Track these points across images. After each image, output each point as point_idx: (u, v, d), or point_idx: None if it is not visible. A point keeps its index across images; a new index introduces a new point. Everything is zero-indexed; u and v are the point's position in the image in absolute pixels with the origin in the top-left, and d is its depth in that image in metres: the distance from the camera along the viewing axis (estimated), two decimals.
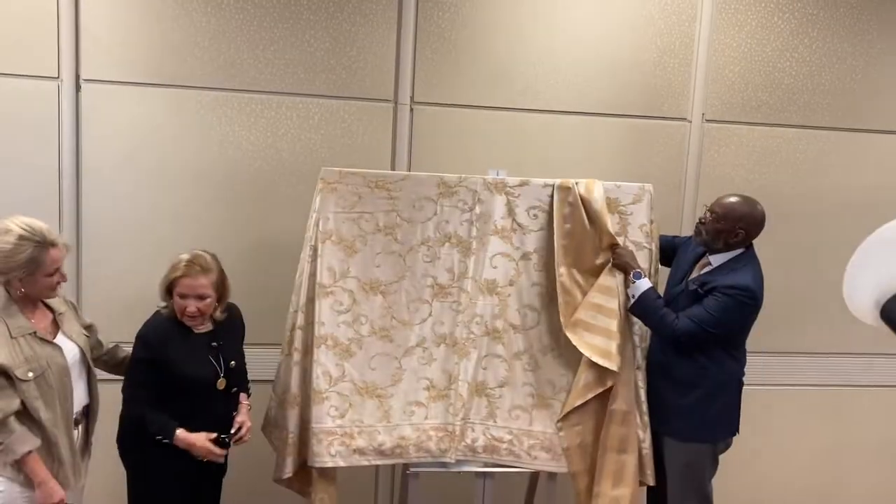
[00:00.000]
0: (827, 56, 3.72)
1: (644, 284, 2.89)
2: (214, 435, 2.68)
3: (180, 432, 2.65)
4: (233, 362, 2.80)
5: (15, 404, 2.35)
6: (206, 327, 2.79)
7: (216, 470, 2.85)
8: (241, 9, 3.32)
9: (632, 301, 2.91)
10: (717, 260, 2.93)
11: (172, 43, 3.30)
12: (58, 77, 3.23)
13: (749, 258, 2.93)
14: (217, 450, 2.68)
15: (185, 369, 2.69)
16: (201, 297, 2.68)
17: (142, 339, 2.71)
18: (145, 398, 2.68)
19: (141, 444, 2.71)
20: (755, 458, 3.93)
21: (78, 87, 3.26)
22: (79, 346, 2.59)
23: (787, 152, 3.75)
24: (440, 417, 2.93)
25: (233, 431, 2.76)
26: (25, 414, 2.38)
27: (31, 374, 2.37)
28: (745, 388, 3.06)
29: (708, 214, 2.93)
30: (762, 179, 3.73)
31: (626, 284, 2.92)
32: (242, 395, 2.91)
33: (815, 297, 3.82)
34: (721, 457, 3.06)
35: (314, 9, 3.37)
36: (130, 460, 2.79)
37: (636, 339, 3.00)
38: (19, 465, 2.39)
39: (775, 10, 3.66)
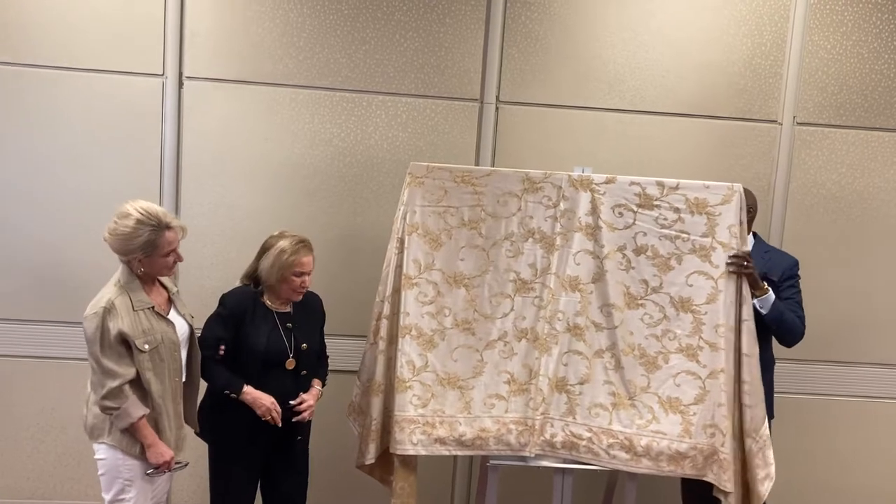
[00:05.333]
0: None
1: (772, 294, 3.00)
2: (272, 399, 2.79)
3: (248, 388, 2.76)
4: (304, 345, 2.88)
5: (132, 372, 2.51)
6: (285, 308, 2.90)
7: (290, 434, 2.90)
8: (335, 10, 3.44)
9: (764, 311, 2.99)
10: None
11: (270, 43, 3.44)
12: (163, 74, 3.42)
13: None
14: (275, 412, 2.77)
15: (257, 340, 2.80)
16: (309, 273, 2.85)
17: (225, 298, 2.88)
18: (214, 350, 2.80)
19: (217, 412, 2.86)
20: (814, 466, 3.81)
21: (181, 84, 3.43)
22: (188, 324, 2.73)
23: (882, 157, 3.63)
24: (520, 411, 2.95)
25: (293, 402, 2.84)
26: (136, 384, 2.53)
27: (146, 346, 2.52)
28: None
29: None
30: (855, 184, 3.62)
31: (754, 293, 2.95)
32: (316, 381, 2.99)
33: None
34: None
35: (405, 10, 3.46)
36: (208, 428, 2.91)
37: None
38: (129, 430, 2.53)
39: (873, 9, 3.56)
